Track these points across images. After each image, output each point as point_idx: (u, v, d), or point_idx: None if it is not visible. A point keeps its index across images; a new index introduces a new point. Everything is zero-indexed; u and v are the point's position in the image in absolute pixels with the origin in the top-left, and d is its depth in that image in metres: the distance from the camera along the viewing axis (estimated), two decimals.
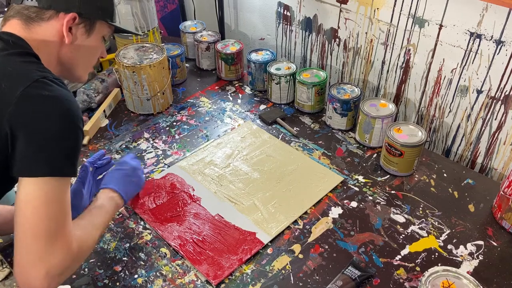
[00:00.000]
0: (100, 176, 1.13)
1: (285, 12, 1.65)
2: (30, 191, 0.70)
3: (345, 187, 1.19)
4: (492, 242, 1.04)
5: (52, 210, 0.71)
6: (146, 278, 0.97)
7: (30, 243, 0.69)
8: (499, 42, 1.13)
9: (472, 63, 1.20)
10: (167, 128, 1.41)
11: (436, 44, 1.26)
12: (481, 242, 1.04)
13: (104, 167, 1.12)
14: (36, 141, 0.71)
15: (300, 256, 1.01)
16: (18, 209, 0.71)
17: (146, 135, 1.38)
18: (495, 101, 1.21)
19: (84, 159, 1.27)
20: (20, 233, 0.70)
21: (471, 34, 1.17)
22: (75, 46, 0.87)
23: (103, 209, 0.91)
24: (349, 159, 1.29)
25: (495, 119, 1.23)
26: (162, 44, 1.54)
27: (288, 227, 1.08)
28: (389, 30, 1.35)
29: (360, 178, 1.22)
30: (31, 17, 0.81)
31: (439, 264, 0.98)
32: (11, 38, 0.80)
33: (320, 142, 1.36)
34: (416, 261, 1.00)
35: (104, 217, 0.90)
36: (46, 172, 0.70)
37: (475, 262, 1.00)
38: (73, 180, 1.17)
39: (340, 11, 1.45)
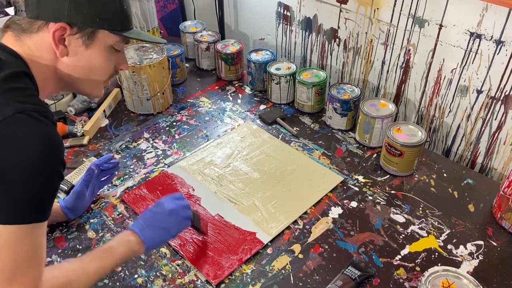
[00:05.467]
0: (104, 178, 1.13)
1: (285, 12, 1.64)
2: None
3: (345, 187, 1.19)
4: (492, 242, 1.04)
5: (13, 255, 0.65)
6: (146, 278, 0.97)
7: None
8: (499, 42, 1.13)
9: (472, 63, 1.20)
10: (167, 128, 1.41)
11: (436, 44, 1.26)
12: (481, 242, 1.04)
13: (109, 170, 1.12)
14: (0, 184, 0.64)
15: (300, 256, 1.01)
16: None
17: (146, 135, 1.38)
18: (495, 101, 1.21)
19: (84, 159, 1.27)
20: None
21: (471, 34, 1.17)
22: (72, 60, 0.78)
23: (108, 253, 0.83)
24: (349, 159, 1.29)
25: (495, 119, 1.23)
26: (162, 44, 1.54)
27: (288, 227, 1.08)
28: (389, 30, 1.35)
29: (360, 178, 1.22)
30: (24, 29, 0.75)
31: (439, 264, 0.98)
32: (2, 53, 0.73)
33: (320, 142, 1.36)
34: (416, 261, 1.00)
35: (108, 261, 0.81)
36: (4, 220, 0.64)
37: (475, 262, 1.00)
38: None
39: (340, 11, 1.45)
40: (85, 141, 1.34)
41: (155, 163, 1.27)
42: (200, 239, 1.04)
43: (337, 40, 1.52)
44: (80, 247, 1.03)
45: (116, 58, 0.85)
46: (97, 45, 0.79)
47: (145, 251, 0.88)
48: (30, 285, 0.67)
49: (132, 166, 1.26)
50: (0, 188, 0.64)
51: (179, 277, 0.97)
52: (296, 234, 1.07)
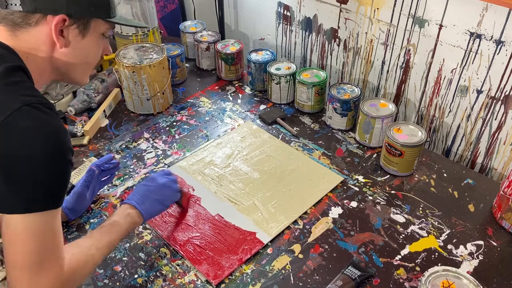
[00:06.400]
0: (104, 178, 1.13)
1: (285, 12, 1.64)
2: (13, 226, 0.68)
3: (345, 187, 1.19)
4: (492, 242, 1.05)
5: (36, 243, 0.69)
6: (146, 278, 0.97)
7: (18, 276, 0.69)
8: (499, 42, 1.13)
9: (472, 63, 1.20)
10: (167, 128, 1.41)
11: (436, 44, 1.26)
12: (481, 242, 1.04)
13: (110, 170, 1.13)
14: (14, 177, 0.66)
15: (300, 256, 1.01)
16: (4, 242, 0.69)
17: (146, 135, 1.38)
18: (495, 101, 1.21)
19: (84, 159, 1.27)
20: (8, 264, 0.70)
21: (471, 34, 1.17)
22: (70, 50, 0.80)
23: (115, 227, 0.89)
24: (349, 159, 1.29)
25: (495, 119, 1.23)
26: (162, 44, 1.54)
27: (288, 227, 1.08)
28: (389, 30, 1.35)
29: (360, 178, 1.22)
30: (17, 23, 0.75)
31: (439, 264, 0.98)
32: None
33: (320, 142, 1.36)
34: (416, 261, 1.00)
35: (116, 234, 0.87)
36: (24, 209, 0.67)
37: (475, 262, 1.00)
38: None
39: (340, 11, 1.45)
40: (85, 141, 1.34)
41: (155, 163, 1.27)
42: (199, 242, 1.04)
43: (337, 40, 1.52)
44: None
45: (102, 44, 0.87)
46: (91, 33, 0.82)
47: (143, 222, 0.97)
48: (57, 268, 0.71)
49: (132, 166, 1.26)
50: (14, 180, 0.66)
51: (179, 277, 0.97)
52: (296, 234, 1.07)
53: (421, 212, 1.12)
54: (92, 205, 1.13)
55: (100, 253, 0.82)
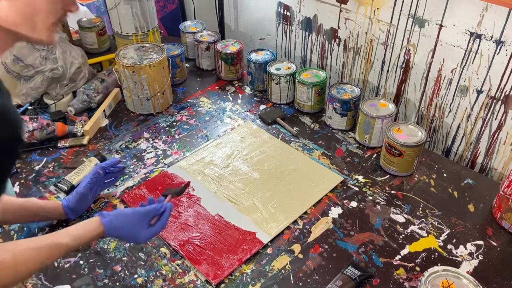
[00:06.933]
0: (108, 180, 1.14)
1: (285, 12, 1.64)
2: None
3: (345, 187, 1.19)
4: (492, 242, 1.04)
5: None
6: (146, 278, 0.97)
7: None
8: (499, 42, 1.13)
9: (472, 63, 1.20)
10: (167, 128, 1.41)
11: (436, 44, 1.26)
12: (481, 242, 1.04)
13: (114, 173, 1.13)
14: None
15: (300, 256, 1.01)
16: None
17: (146, 135, 1.38)
18: (495, 101, 1.21)
19: (84, 159, 1.27)
20: None
21: (471, 34, 1.17)
22: (11, 3, 0.65)
23: (70, 247, 0.83)
24: (349, 159, 1.29)
25: (495, 119, 1.23)
26: (162, 44, 1.54)
27: (288, 227, 1.08)
28: (389, 30, 1.35)
29: (360, 178, 1.22)
30: None
31: (439, 264, 0.98)
32: None
33: (320, 142, 1.36)
34: (416, 261, 1.00)
35: (65, 252, 0.83)
36: None
37: (475, 262, 1.00)
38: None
39: (340, 11, 1.45)
40: (85, 141, 1.34)
41: (155, 163, 1.27)
42: (199, 242, 1.04)
43: (337, 40, 1.52)
44: (80, 247, 1.03)
45: None
46: None
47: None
48: None
49: (132, 166, 1.26)
50: None
51: (179, 277, 0.97)
52: (296, 234, 1.07)
53: (421, 212, 1.12)
54: (92, 205, 1.13)
55: (33, 266, 0.77)
